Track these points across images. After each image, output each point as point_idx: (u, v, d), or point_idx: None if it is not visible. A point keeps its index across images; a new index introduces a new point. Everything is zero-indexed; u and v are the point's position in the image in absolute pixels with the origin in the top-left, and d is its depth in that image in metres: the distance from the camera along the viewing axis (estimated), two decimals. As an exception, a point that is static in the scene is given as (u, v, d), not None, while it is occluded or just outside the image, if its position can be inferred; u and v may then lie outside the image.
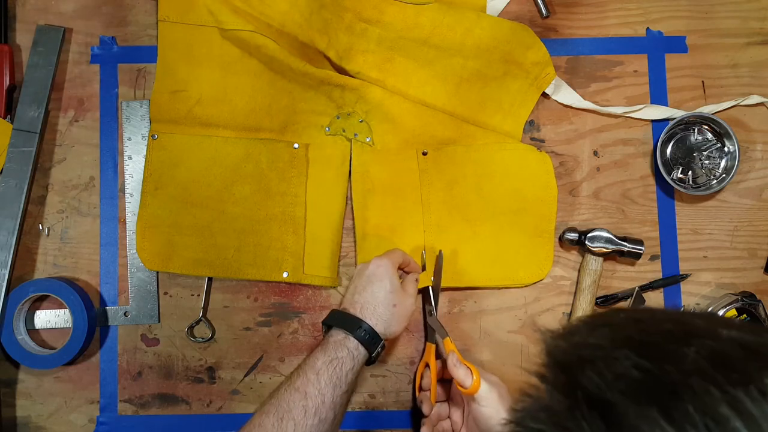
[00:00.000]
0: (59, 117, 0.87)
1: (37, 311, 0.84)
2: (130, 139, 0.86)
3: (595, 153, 0.87)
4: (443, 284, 0.82)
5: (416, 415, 0.83)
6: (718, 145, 0.86)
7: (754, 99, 0.86)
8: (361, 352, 0.70)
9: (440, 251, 0.82)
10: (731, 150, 0.85)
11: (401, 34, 0.85)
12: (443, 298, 0.85)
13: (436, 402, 0.78)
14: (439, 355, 0.81)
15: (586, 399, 0.33)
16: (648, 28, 0.88)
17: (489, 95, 0.85)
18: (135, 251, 0.84)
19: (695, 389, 0.31)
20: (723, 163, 0.85)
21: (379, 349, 0.71)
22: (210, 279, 0.85)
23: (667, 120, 0.86)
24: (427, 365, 0.80)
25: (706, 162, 0.86)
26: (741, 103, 0.86)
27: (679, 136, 0.86)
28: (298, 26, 0.84)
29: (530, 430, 0.34)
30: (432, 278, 0.82)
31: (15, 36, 0.88)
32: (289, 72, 0.84)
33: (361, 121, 0.86)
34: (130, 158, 0.86)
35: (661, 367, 0.32)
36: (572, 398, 0.33)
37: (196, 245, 0.83)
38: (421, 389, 0.80)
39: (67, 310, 0.82)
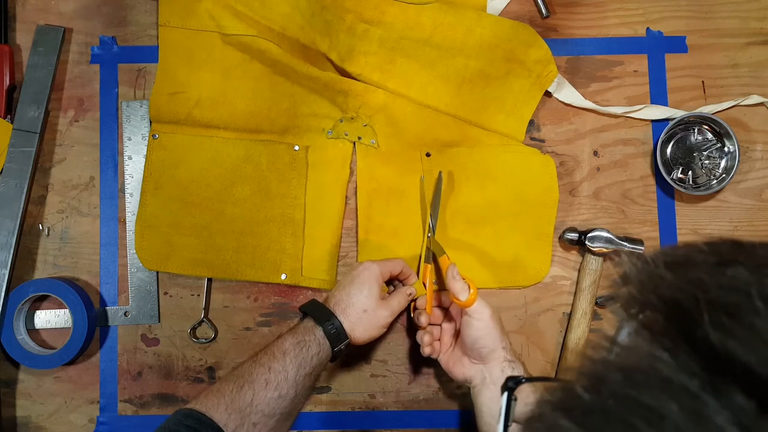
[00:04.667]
0: (59, 117, 0.87)
1: (37, 311, 0.84)
2: (130, 139, 0.86)
3: (595, 153, 0.87)
4: (442, 286, 0.82)
5: (412, 414, 0.83)
6: (718, 145, 0.86)
7: (754, 99, 0.86)
8: (326, 343, 0.71)
9: (440, 172, 0.82)
10: (731, 150, 0.85)
11: (402, 34, 0.85)
12: (443, 298, 0.85)
13: (429, 324, 0.77)
14: (435, 277, 0.81)
15: (740, 379, 0.22)
16: (648, 28, 0.88)
17: (492, 95, 0.85)
18: (135, 251, 0.84)
19: None
20: (723, 163, 0.85)
21: (342, 346, 0.72)
22: (210, 279, 0.85)
23: (667, 120, 0.86)
24: (424, 285, 0.80)
25: (706, 162, 0.86)
26: (741, 103, 0.86)
27: (679, 136, 0.86)
28: (299, 28, 0.84)
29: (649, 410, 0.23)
30: (429, 235, 0.81)
31: (15, 36, 0.88)
32: (292, 74, 0.84)
33: (365, 125, 0.86)
34: (130, 158, 0.86)
35: None
36: (711, 375, 0.23)
37: (195, 245, 0.83)
38: (416, 309, 0.80)
39: (67, 310, 0.82)
